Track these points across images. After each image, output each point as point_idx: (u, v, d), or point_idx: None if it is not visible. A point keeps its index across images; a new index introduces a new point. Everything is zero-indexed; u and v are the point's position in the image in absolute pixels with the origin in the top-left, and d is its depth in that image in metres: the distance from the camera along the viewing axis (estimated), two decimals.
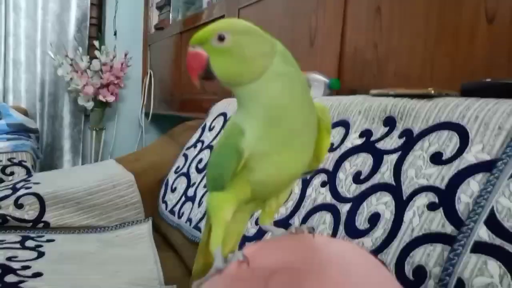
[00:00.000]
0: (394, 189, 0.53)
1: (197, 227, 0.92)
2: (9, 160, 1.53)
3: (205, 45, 0.31)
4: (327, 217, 0.59)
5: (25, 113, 1.99)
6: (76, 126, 2.21)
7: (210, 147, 1.14)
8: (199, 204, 0.98)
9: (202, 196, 0.99)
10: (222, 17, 1.60)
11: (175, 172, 1.20)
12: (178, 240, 1.01)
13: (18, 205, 1.06)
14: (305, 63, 1.14)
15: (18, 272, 0.79)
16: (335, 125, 0.72)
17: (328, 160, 0.67)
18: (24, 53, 2.12)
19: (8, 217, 1.04)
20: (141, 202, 1.18)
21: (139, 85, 2.43)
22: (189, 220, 0.98)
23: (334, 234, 0.56)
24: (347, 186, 0.60)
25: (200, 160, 1.13)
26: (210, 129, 1.21)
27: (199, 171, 1.11)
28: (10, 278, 0.76)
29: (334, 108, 0.75)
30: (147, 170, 1.25)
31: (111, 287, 0.77)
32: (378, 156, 0.59)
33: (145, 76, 2.39)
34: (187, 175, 1.14)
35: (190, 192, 1.06)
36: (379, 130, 0.63)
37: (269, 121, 0.31)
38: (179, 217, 1.03)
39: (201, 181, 1.06)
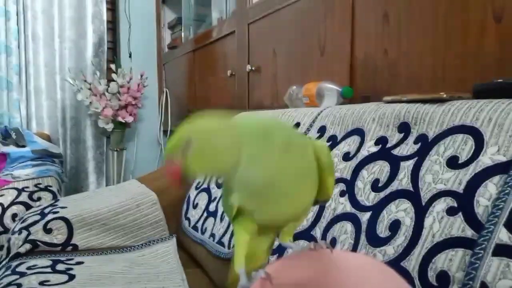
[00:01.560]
0: (412, 196, 0.54)
1: (220, 242, 0.93)
2: (35, 186, 1.59)
3: (177, 154, 0.33)
4: (348, 226, 0.60)
5: (48, 138, 2.06)
6: (98, 148, 2.28)
7: None
8: (221, 219, 0.99)
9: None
10: (233, 33, 1.63)
11: (196, 188, 1.22)
12: (202, 255, 1.02)
13: (47, 230, 1.09)
14: (317, 72, 1.15)
15: None
16: (350, 133, 0.73)
17: (346, 169, 0.67)
18: (44, 81, 2.20)
19: (38, 242, 1.07)
20: (165, 220, 1.20)
21: (156, 104, 2.48)
22: (213, 235, 0.99)
23: (356, 243, 0.57)
24: (366, 195, 0.61)
25: None
26: None
27: (219, 186, 1.12)
28: None
29: (348, 117, 0.76)
30: (169, 188, 1.28)
31: None
32: (395, 163, 0.60)
33: (161, 95, 2.44)
34: (207, 190, 1.16)
35: (212, 207, 1.08)
36: (394, 137, 0.64)
37: (249, 195, 0.34)
38: (203, 232, 1.05)
39: (222, 196, 1.07)
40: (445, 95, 0.61)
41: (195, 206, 1.17)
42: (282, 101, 1.22)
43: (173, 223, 1.22)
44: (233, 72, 1.63)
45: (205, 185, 1.19)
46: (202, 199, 1.15)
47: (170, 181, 0.34)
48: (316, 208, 0.69)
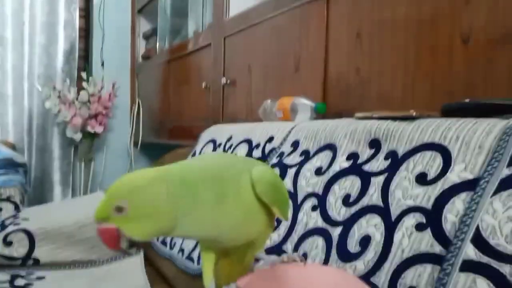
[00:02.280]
0: (382, 211, 0.54)
1: (189, 258, 0.91)
2: None
3: (110, 219, 0.31)
4: (319, 241, 0.60)
5: (12, 147, 1.97)
6: (65, 159, 2.20)
7: None
8: None
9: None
10: (209, 45, 1.63)
11: None
12: (171, 271, 0.99)
13: (7, 243, 1.04)
14: (291, 88, 1.16)
15: None
16: (323, 148, 0.73)
17: (318, 184, 0.68)
18: (11, 86, 2.12)
19: None
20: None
21: (127, 115, 2.43)
22: (181, 250, 0.97)
23: (326, 258, 0.57)
24: (337, 210, 0.61)
25: None
26: None
27: None
28: None
29: (321, 132, 0.76)
30: None
31: None
32: (366, 179, 0.61)
33: (133, 105, 2.40)
34: None
35: None
36: (365, 153, 0.65)
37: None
38: (171, 247, 1.02)
39: None
40: (414, 113, 0.63)
41: None
42: (256, 115, 1.22)
43: None
44: (208, 85, 1.63)
45: None
46: None
47: (109, 247, 0.32)
48: (287, 222, 0.68)
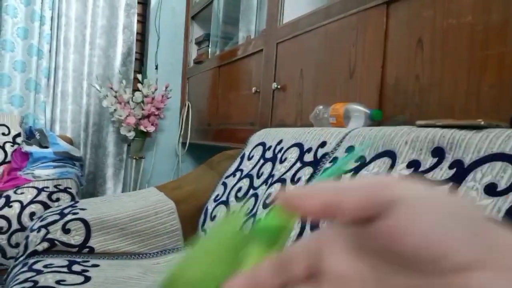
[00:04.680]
0: None
1: None
2: (55, 186, 1.61)
3: None
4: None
5: (70, 142, 2.09)
6: (118, 155, 2.30)
7: (249, 176, 1.15)
8: None
9: (243, 224, 1.00)
10: (260, 51, 1.66)
11: (215, 200, 1.22)
12: None
13: (66, 230, 1.10)
14: (344, 94, 1.16)
15: None
16: (381, 155, 0.72)
17: None
18: (71, 85, 2.25)
19: (56, 242, 1.08)
20: (181, 230, 1.20)
21: (177, 116, 2.51)
22: None
23: None
24: None
25: (240, 189, 1.14)
26: (249, 158, 1.23)
27: (238, 199, 1.12)
28: None
29: (379, 138, 0.75)
30: (187, 198, 1.28)
31: None
32: None
33: (183, 108, 2.47)
34: (226, 203, 1.16)
35: None
36: (427, 161, 0.63)
37: None
38: None
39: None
40: (482, 122, 0.61)
41: (212, 218, 1.16)
42: (306, 120, 1.22)
43: (189, 234, 1.22)
44: (257, 89, 1.65)
45: (223, 198, 1.18)
46: (220, 212, 1.15)
47: None
48: None
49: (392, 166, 0.68)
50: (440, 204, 0.17)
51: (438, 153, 0.62)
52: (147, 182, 2.36)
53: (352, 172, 0.74)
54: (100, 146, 2.28)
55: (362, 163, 0.75)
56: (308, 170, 0.89)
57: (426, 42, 0.92)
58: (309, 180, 0.85)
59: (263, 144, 1.22)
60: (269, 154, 1.13)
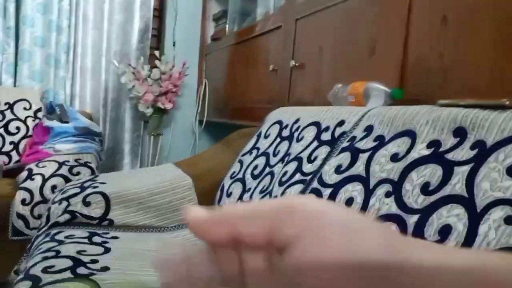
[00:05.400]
0: (466, 202, 0.52)
1: None
2: (75, 161, 1.65)
3: None
4: (392, 228, 0.59)
5: (90, 117, 2.12)
6: (135, 131, 2.33)
7: (265, 154, 1.16)
8: None
9: None
10: (279, 27, 1.63)
11: (231, 177, 1.23)
12: None
13: (86, 203, 1.13)
14: (364, 72, 1.13)
15: (88, 265, 0.85)
16: (400, 135, 0.71)
17: (393, 170, 0.66)
18: (90, 61, 2.27)
19: (77, 214, 1.11)
20: (198, 205, 1.21)
21: (194, 94, 2.51)
22: None
23: None
24: (414, 197, 0.59)
25: (256, 167, 1.15)
26: (266, 136, 1.23)
27: (254, 177, 1.13)
28: (81, 270, 0.82)
29: (399, 118, 0.74)
30: (204, 174, 1.29)
31: None
32: (448, 167, 0.58)
33: (200, 85, 2.47)
34: (242, 180, 1.16)
35: (246, 197, 1.08)
36: (448, 141, 0.62)
37: None
38: None
39: (256, 186, 1.08)
40: (507, 102, 0.59)
41: (228, 195, 1.18)
42: (324, 99, 1.20)
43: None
44: (275, 67, 1.63)
45: (239, 175, 1.19)
46: (236, 189, 1.16)
47: None
48: (358, 206, 0.67)
49: (411, 145, 0.67)
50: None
51: (460, 133, 0.61)
52: (165, 158, 2.39)
53: (371, 151, 0.73)
54: (119, 122, 2.31)
55: (381, 142, 0.74)
56: (325, 149, 0.88)
57: (450, 19, 0.89)
58: (325, 159, 0.85)
59: (280, 122, 1.22)
60: (285, 133, 1.13)
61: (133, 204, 1.13)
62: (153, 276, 0.75)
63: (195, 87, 2.52)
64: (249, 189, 1.10)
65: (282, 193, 0.90)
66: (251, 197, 1.06)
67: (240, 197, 1.12)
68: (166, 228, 1.14)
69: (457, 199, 0.53)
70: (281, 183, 0.94)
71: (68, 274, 0.80)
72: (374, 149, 0.73)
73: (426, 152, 0.64)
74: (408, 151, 0.67)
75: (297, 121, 1.11)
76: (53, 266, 0.83)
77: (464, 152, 0.58)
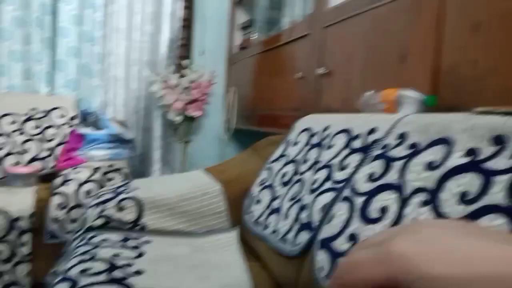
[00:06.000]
0: (509, 211, 0.51)
1: (283, 239, 0.94)
2: (109, 166, 1.70)
3: None
4: None
5: (122, 124, 2.18)
6: (165, 139, 2.39)
7: (294, 161, 1.16)
8: (285, 217, 1.00)
9: (289, 209, 1.01)
10: (306, 36, 1.64)
11: (260, 184, 1.24)
12: (263, 250, 1.03)
13: (120, 208, 1.16)
14: (394, 79, 1.12)
15: (122, 269, 0.87)
16: (436, 142, 0.70)
17: (429, 179, 0.65)
18: (123, 70, 2.34)
19: (110, 218, 1.15)
20: (227, 212, 1.23)
21: (221, 101, 2.55)
22: (275, 231, 1.00)
23: None
24: (452, 207, 0.58)
25: (284, 174, 1.15)
26: (294, 144, 1.23)
27: (283, 184, 1.13)
28: (116, 274, 0.84)
29: (434, 125, 0.73)
30: (233, 181, 1.31)
31: None
32: (488, 177, 0.57)
33: (227, 93, 2.50)
34: (271, 187, 1.17)
35: (276, 204, 1.09)
36: (487, 149, 0.60)
37: None
38: (265, 228, 1.06)
39: (286, 194, 1.08)
40: None
41: (257, 202, 1.18)
42: (352, 106, 1.20)
43: (234, 216, 1.25)
44: (303, 75, 1.63)
45: (268, 182, 1.20)
46: (265, 196, 1.17)
47: None
48: (392, 216, 0.67)
49: (448, 154, 0.66)
50: None
51: (500, 141, 0.60)
52: (193, 165, 2.42)
53: (405, 159, 0.73)
54: (149, 129, 2.37)
55: (415, 150, 0.73)
56: (356, 157, 0.88)
57: (484, 26, 0.87)
58: (357, 167, 0.85)
59: (308, 130, 1.22)
60: (315, 140, 1.13)
61: (164, 210, 1.16)
62: (186, 281, 0.77)
63: (222, 95, 2.55)
64: (279, 196, 1.11)
65: (313, 201, 0.90)
66: (281, 204, 1.06)
67: (269, 204, 1.12)
68: (197, 233, 1.16)
69: (497, 209, 0.52)
70: (311, 191, 0.94)
71: (103, 277, 0.82)
72: (409, 157, 0.72)
73: (464, 160, 0.62)
74: (445, 159, 0.66)
75: (326, 128, 1.11)
76: (89, 269, 0.86)
77: (505, 161, 0.57)
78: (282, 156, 1.25)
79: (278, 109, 1.92)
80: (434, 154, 0.68)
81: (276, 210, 1.06)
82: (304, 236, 0.86)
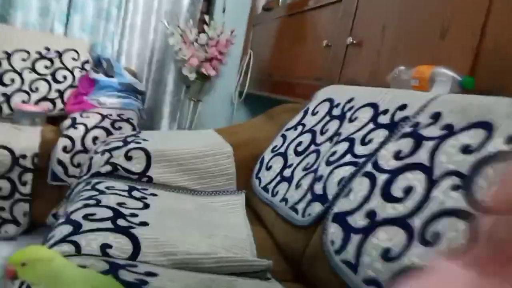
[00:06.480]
0: None
1: (293, 208, 0.91)
2: (118, 115, 1.66)
3: (16, 265, 0.51)
4: (459, 224, 0.54)
5: (134, 75, 2.13)
6: (176, 95, 2.33)
7: (311, 131, 1.11)
8: (297, 186, 0.96)
9: (300, 179, 0.97)
10: (338, 1, 1.55)
11: (272, 151, 1.20)
12: (269, 216, 1.01)
13: (128, 157, 1.13)
14: (431, 56, 1.06)
15: (127, 218, 0.85)
16: (474, 126, 0.65)
17: (463, 163, 0.60)
18: (140, 19, 2.26)
19: (118, 166, 1.12)
20: (235, 174, 1.20)
21: (237, 63, 2.47)
22: (285, 200, 0.97)
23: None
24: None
25: (300, 143, 1.11)
26: (314, 113, 1.18)
27: (297, 153, 1.09)
28: (121, 222, 0.82)
29: (473, 108, 0.68)
30: (245, 144, 1.27)
31: (207, 247, 0.79)
32: None
33: (244, 55, 2.43)
34: (284, 155, 1.13)
35: (287, 173, 1.05)
36: None
37: None
38: (273, 195, 1.03)
39: (299, 163, 1.04)
40: None
41: (268, 168, 1.15)
42: (381, 80, 1.14)
43: (242, 179, 1.22)
44: (329, 43, 1.56)
45: (282, 150, 1.16)
46: (277, 163, 1.13)
47: (5, 275, 0.52)
48: (417, 196, 0.63)
49: (487, 138, 0.61)
50: None
51: None
52: (202, 125, 2.38)
53: (437, 140, 0.68)
54: (161, 83, 2.31)
55: (450, 132, 0.68)
56: (382, 133, 0.83)
57: None
58: (383, 143, 0.80)
59: (330, 100, 1.17)
60: (336, 112, 1.08)
61: (173, 165, 1.13)
62: (190, 236, 0.73)
63: (239, 57, 2.47)
64: (291, 165, 1.07)
65: (330, 173, 0.86)
66: (292, 173, 1.03)
67: (280, 172, 1.09)
68: (204, 192, 1.13)
69: None
70: (328, 163, 0.90)
71: (108, 224, 0.80)
72: (441, 138, 0.68)
73: (505, 147, 0.58)
74: (482, 144, 0.61)
75: (350, 100, 1.06)
76: (94, 214, 0.83)
77: None
78: (299, 124, 1.20)
79: (296, 77, 1.86)
80: (471, 137, 0.64)
81: (287, 179, 1.03)
82: (317, 208, 0.82)
